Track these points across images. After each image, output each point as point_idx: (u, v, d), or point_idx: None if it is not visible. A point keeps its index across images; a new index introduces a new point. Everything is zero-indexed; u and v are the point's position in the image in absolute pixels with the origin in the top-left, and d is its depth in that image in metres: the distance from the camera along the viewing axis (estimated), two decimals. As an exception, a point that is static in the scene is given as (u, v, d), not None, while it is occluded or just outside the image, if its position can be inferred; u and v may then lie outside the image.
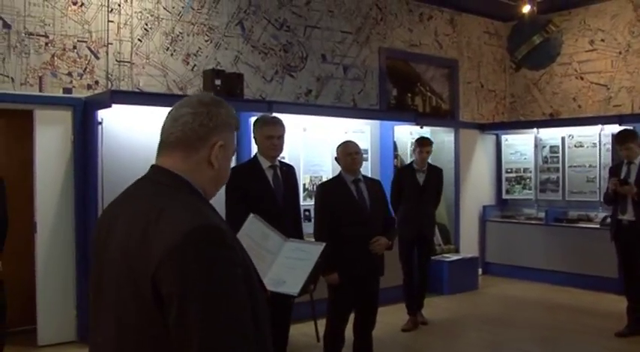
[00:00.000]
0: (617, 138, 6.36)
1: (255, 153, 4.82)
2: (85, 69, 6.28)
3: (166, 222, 1.51)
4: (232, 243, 1.58)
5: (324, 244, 3.37)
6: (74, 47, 6.19)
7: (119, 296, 1.56)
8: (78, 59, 6.22)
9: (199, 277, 1.45)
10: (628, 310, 6.38)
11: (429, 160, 7.15)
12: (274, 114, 5.27)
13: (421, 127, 9.02)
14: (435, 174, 7.15)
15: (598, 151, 9.04)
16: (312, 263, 3.01)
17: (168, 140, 1.71)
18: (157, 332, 1.48)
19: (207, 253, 1.48)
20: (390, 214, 5.75)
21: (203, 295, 1.45)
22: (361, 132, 7.94)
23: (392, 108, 8.92)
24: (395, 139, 8.47)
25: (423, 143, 7.03)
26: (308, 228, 5.71)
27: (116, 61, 6.46)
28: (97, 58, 6.35)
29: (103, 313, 1.62)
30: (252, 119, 5.02)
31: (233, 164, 6.04)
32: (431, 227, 7.24)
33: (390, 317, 6.92)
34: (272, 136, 4.58)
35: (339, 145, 5.10)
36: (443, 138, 9.66)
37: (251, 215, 3.18)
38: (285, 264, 3.02)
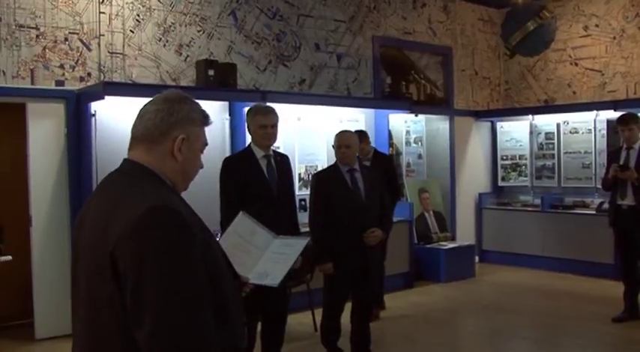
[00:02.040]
0: (620, 120, 6.34)
1: (249, 143, 4.80)
2: (77, 61, 6.23)
3: (124, 206, 1.64)
4: (189, 224, 1.66)
5: (307, 239, 3.42)
6: (66, 39, 6.15)
7: (88, 281, 1.68)
8: (70, 51, 6.18)
9: (153, 255, 1.55)
10: (625, 295, 6.39)
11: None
12: (267, 104, 5.24)
13: (416, 115, 9.00)
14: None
15: (593, 137, 9.03)
16: (295, 256, 3.10)
17: (135, 135, 1.84)
18: (117, 303, 1.58)
19: (161, 233, 1.59)
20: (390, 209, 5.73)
21: (157, 273, 1.54)
22: (356, 121, 7.92)
23: (386, 96, 8.89)
24: (390, 128, 8.45)
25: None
26: (304, 217, 5.70)
27: (108, 52, 6.42)
28: (89, 49, 6.30)
29: (79, 301, 1.75)
30: (246, 109, 5.00)
31: (227, 154, 6.05)
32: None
33: (389, 305, 6.93)
34: (265, 125, 4.57)
35: (336, 134, 5.09)
36: (438, 125, 9.64)
37: (240, 212, 3.22)
38: (271, 258, 3.07)
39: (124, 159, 1.85)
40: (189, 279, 1.58)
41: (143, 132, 1.81)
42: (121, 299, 1.57)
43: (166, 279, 1.55)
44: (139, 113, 1.85)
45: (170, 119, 1.81)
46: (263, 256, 3.04)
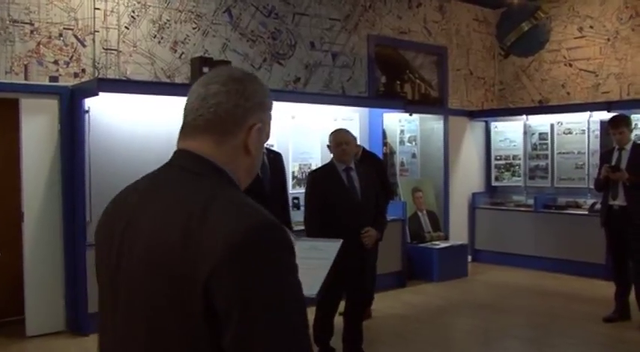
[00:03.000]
0: (611, 123, 6.36)
1: (243, 141, 4.78)
2: (72, 57, 6.21)
3: (215, 221, 1.24)
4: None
5: (340, 241, 3.26)
6: (60, 35, 6.13)
7: (151, 306, 1.30)
8: (64, 47, 6.16)
9: (267, 289, 1.21)
10: (616, 295, 6.42)
11: None
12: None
13: (410, 115, 9.01)
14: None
15: (587, 138, 9.06)
16: (330, 261, 2.88)
17: (196, 123, 1.42)
18: (203, 348, 1.23)
19: (274, 258, 1.24)
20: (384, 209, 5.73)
21: (271, 311, 1.21)
22: (350, 119, 7.92)
23: (381, 95, 8.90)
24: (384, 127, 8.45)
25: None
26: (298, 216, 5.71)
27: (103, 49, 6.40)
28: (84, 45, 6.28)
29: (124, 325, 1.36)
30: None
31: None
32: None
33: (381, 305, 6.93)
34: None
35: (331, 133, 5.09)
36: (432, 125, 9.66)
37: None
38: (301, 264, 2.90)
39: (182, 151, 1.44)
40: (301, 313, 1.27)
41: (211, 119, 1.41)
42: (210, 341, 1.23)
43: (283, 318, 1.22)
44: (198, 95, 1.44)
45: (246, 104, 1.43)
46: None
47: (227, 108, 1.41)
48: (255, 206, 1.30)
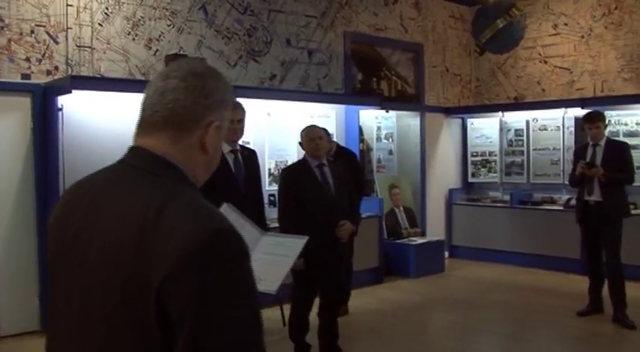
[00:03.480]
0: (587, 118, 6.41)
1: (216, 138, 4.78)
2: (44, 54, 6.15)
3: (171, 222, 1.22)
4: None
5: (306, 238, 3.24)
6: (32, 32, 6.06)
7: (105, 306, 1.27)
8: (36, 44, 6.09)
9: (221, 295, 1.19)
10: (590, 290, 6.49)
11: None
12: (237, 99, 5.23)
13: (387, 111, 9.03)
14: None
15: (561, 134, 9.15)
16: (293, 259, 2.84)
17: (153, 119, 1.39)
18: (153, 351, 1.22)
19: (229, 264, 1.21)
20: (358, 203, 5.74)
21: (225, 319, 1.19)
22: (326, 116, 7.93)
23: (357, 92, 8.91)
24: (360, 124, 8.47)
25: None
26: (274, 213, 5.70)
27: (76, 46, 6.34)
28: (57, 42, 6.22)
29: (77, 325, 1.33)
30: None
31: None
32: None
33: (358, 301, 6.95)
34: (232, 120, 4.56)
35: (303, 130, 5.09)
36: (409, 122, 9.69)
37: (224, 204, 3.01)
38: (264, 259, 2.81)
39: (137, 148, 1.40)
40: (256, 320, 1.26)
41: (168, 115, 1.36)
42: (163, 346, 1.20)
43: (238, 325, 1.21)
44: (157, 89, 1.39)
45: (206, 102, 1.39)
46: (252, 256, 2.96)
47: (185, 105, 1.37)
48: (211, 209, 1.28)
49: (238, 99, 4.90)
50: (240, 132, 4.65)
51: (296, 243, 2.97)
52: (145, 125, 1.40)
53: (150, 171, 1.35)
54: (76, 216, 1.38)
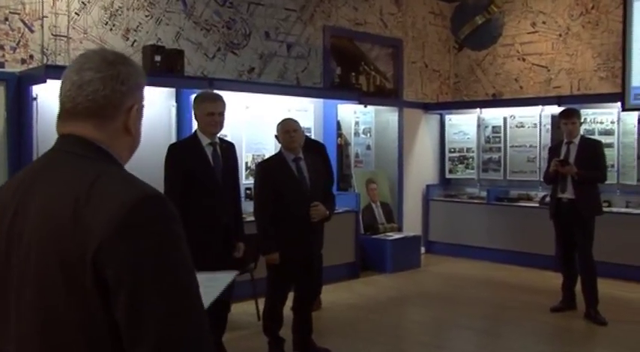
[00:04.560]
0: (563, 113, 6.45)
1: (195, 130, 4.78)
2: (19, 42, 6.06)
3: (101, 197, 1.28)
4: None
5: (235, 272, 3.29)
6: (6, 19, 5.97)
7: (42, 290, 1.31)
8: (10, 32, 6.00)
9: (154, 258, 1.25)
10: (563, 286, 6.55)
11: None
12: (215, 91, 5.21)
13: (365, 106, 9.03)
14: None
15: (538, 132, 9.21)
16: (220, 290, 2.92)
17: (75, 110, 1.45)
18: (97, 323, 1.26)
19: (159, 228, 1.28)
20: (331, 190, 5.74)
21: (159, 279, 1.24)
22: (304, 110, 7.91)
23: (336, 86, 8.89)
24: (339, 118, 8.47)
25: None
26: (250, 206, 5.68)
27: (52, 34, 6.26)
28: (32, 31, 6.13)
29: (14, 311, 1.36)
30: (193, 96, 4.97)
31: (173, 140, 5.98)
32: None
33: (333, 296, 6.95)
34: (212, 113, 4.58)
35: (279, 123, 5.08)
36: (387, 117, 9.68)
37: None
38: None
39: (64, 136, 1.46)
40: (191, 280, 1.30)
41: (89, 106, 1.43)
42: (105, 317, 1.25)
43: (173, 285, 1.26)
44: (74, 82, 1.44)
45: (123, 88, 1.45)
46: None
47: (105, 95, 1.44)
48: (137, 180, 1.36)
49: (217, 92, 4.89)
50: (220, 124, 4.66)
51: (226, 278, 3.01)
52: (67, 115, 1.47)
53: (81, 155, 1.42)
54: (9, 211, 1.43)
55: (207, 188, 4.55)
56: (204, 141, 4.64)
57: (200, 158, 4.60)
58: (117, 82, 1.46)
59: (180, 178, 4.49)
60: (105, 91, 1.44)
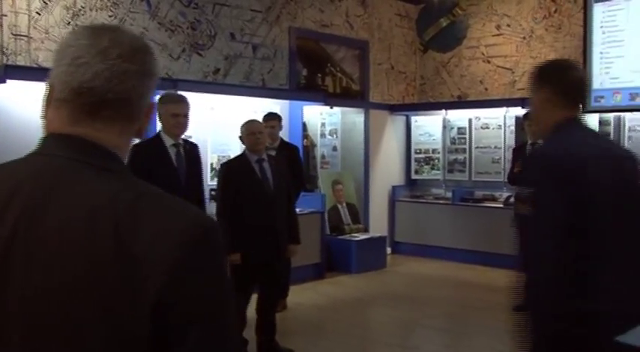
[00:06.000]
0: (527, 115, 6.52)
1: (159, 131, 4.74)
2: (-22, 42, 5.97)
3: (152, 223, 1.06)
4: None
5: None
6: (-35, 19, 5.88)
7: (68, 311, 1.04)
8: (-31, 32, 5.91)
9: (218, 292, 1.11)
10: (525, 285, 6.61)
11: None
12: (180, 93, 5.19)
13: (331, 108, 9.05)
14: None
15: (503, 133, 9.31)
16: None
17: (99, 108, 1.16)
18: None
19: (221, 260, 1.13)
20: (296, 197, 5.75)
21: (224, 312, 1.12)
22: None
23: (301, 88, 8.89)
24: (305, 120, 8.47)
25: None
26: (214, 208, 5.65)
27: (12, 34, 6.16)
28: (-9, 31, 6.04)
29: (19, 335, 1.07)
30: (157, 97, 4.93)
31: (136, 141, 5.93)
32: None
33: (298, 296, 6.95)
34: (177, 114, 4.57)
35: (243, 124, 5.07)
36: (353, 119, 9.72)
37: None
38: None
39: (69, 138, 1.16)
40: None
41: (122, 105, 1.16)
42: None
43: (227, 324, 1.13)
44: (95, 70, 1.14)
45: (151, 84, 1.20)
46: None
47: (141, 93, 1.18)
48: (184, 204, 1.15)
49: (181, 93, 4.87)
50: (184, 126, 4.65)
51: None
52: (81, 113, 1.16)
53: (98, 166, 1.14)
54: (5, 228, 1.11)
55: (170, 190, 4.47)
56: (168, 142, 4.62)
57: (164, 160, 4.58)
58: (149, 78, 1.19)
59: (144, 180, 4.45)
60: (142, 89, 1.18)
